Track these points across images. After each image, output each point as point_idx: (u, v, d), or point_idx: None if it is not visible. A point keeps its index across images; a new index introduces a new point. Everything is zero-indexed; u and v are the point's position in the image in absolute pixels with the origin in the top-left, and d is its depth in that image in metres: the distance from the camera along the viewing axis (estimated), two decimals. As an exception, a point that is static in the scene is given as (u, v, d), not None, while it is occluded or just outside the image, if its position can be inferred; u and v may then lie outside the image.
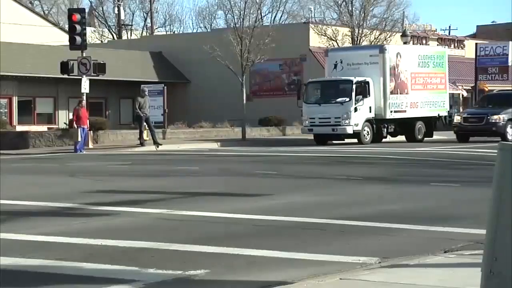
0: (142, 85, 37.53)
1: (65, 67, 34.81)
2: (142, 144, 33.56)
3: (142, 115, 33.34)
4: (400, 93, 36.72)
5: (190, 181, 18.70)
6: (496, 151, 5.41)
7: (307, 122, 35.91)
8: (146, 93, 34.73)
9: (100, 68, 34.87)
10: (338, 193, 15.40)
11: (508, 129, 34.83)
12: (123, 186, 17.18)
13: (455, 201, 14.03)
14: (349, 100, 34.94)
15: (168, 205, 13.38)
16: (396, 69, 36.58)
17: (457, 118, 36.34)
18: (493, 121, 34.75)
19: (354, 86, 34.96)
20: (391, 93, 36.27)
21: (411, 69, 37.35)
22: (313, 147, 33.92)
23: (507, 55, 45.39)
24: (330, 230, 10.61)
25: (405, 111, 35.94)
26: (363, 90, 35.35)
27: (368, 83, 35.58)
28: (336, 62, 37.18)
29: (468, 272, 7.48)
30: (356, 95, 35.01)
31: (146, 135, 35.01)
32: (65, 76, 36.08)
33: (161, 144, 33.37)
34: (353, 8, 49.68)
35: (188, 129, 42.07)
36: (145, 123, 33.69)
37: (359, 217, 11.62)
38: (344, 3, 50.65)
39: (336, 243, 9.64)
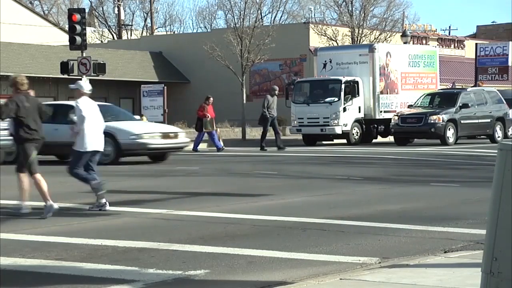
0: (273, 86, 33.40)
1: (65, 67, 34.80)
2: (263, 148, 30.90)
3: (268, 116, 30.71)
4: (390, 93, 36.46)
5: (190, 181, 18.71)
6: (496, 151, 5.42)
7: (295, 122, 35.66)
8: (277, 92, 31.85)
9: (100, 68, 34.87)
10: (338, 193, 15.40)
11: (448, 131, 32.60)
12: (123, 186, 17.18)
13: (455, 201, 14.03)
14: (338, 100, 34.72)
15: (168, 205, 13.39)
16: (386, 69, 36.31)
17: (394, 118, 33.86)
18: (432, 121, 32.40)
19: (343, 85, 34.74)
20: (381, 93, 36.05)
21: (402, 68, 37.04)
22: (312, 147, 33.90)
23: (507, 55, 45.28)
24: (330, 230, 10.61)
25: (395, 111, 35.62)
26: (352, 90, 35.16)
27: (357, 82, 35.42)
28: (325, 61, 37.01)
29: (468, 272, 7.48)
30: (345, 94, 34.78)
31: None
32: (65, 76, 36.10)
33: (284, 148, 30.78)
34: (353, 8, 49.74)
35: (188, 129, 42.08)
36: (270, 126, 31.03)
37: (359, 217, 11.62)
38: (344, 3, 50.70)
39: (336, 243, 9.64)
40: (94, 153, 13.07)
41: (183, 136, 25.10)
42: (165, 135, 23.99)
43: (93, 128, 12.95)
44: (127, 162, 24.04)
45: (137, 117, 25.65)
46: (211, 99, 32.16)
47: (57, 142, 23.67)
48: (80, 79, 32.53)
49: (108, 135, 23.33)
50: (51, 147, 24.37)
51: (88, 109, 12.99)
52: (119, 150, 23.40)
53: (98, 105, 27.97)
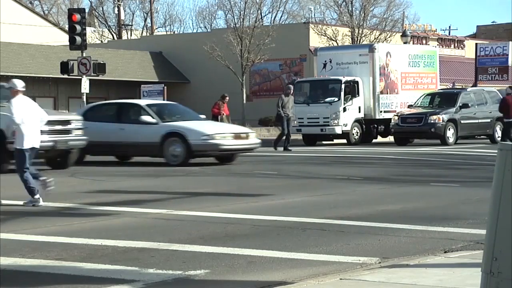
0: (288, 84, 32.59)
1: (65, 67, 34.82)
2: (276, 147, 30.09)
3: (283, 115, 29.73)
4: (390, 93, 36.47)
5: (190, 181, 18.71)
6: (496, 151, 5.42)
7: (295, 122, 35.58)
8: (291, 91, 30.85)
9: (100, 68, 34.89)
10: (338, 193, 15.40)
11: (448, 131, 32.62)
12: (123, 186, 17.18)
13: (455, 201, 14.03)
14: (337, 100, 34.72)
15: (168, 205, 13.38)
16: (386, 69, 36.31)
17: (394, 119, 33.93)
18: (432, 121, 32.47)
19: (343, 85, 34.75)
20: (381, 93, 36.06)
21: (402, 68, 37.04)
22: (312, 147, 33.90)
23: (507, 55, 45.27)
24: (330, 230, 10.61)
25: (395, 111, 35.61)
26: (352, 90, 35.17)
27: (357, 82, 35.43)
28: (325, 61, 37.03)
29: (468, 272, 7.49)
30: (345, 94, 34.77)
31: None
32: (65, 76, 36.11)
33: (290, 150, 29.66)
34: (353, 8, 49.79)
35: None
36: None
37: (359, 217, 11.62)
38: (344, 3, 50.74)
39: (336, 243, 9.64)
40: (32, 149, 13.73)
41: (254, 136, 24.22)
42: (237, 136, 23.09)
43: (29, 126, 13.63)
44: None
45: (203, 116, 25.11)
46: (227, 98, 31.99)
47: (122, 142, 23.14)
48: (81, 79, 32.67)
49: (178, 135, 22.72)
50: (114, 147, 23.86)
51: (23, 109, 13.60)
52: (190, 151, 22.39)
53: (163, 104, 27.42)
